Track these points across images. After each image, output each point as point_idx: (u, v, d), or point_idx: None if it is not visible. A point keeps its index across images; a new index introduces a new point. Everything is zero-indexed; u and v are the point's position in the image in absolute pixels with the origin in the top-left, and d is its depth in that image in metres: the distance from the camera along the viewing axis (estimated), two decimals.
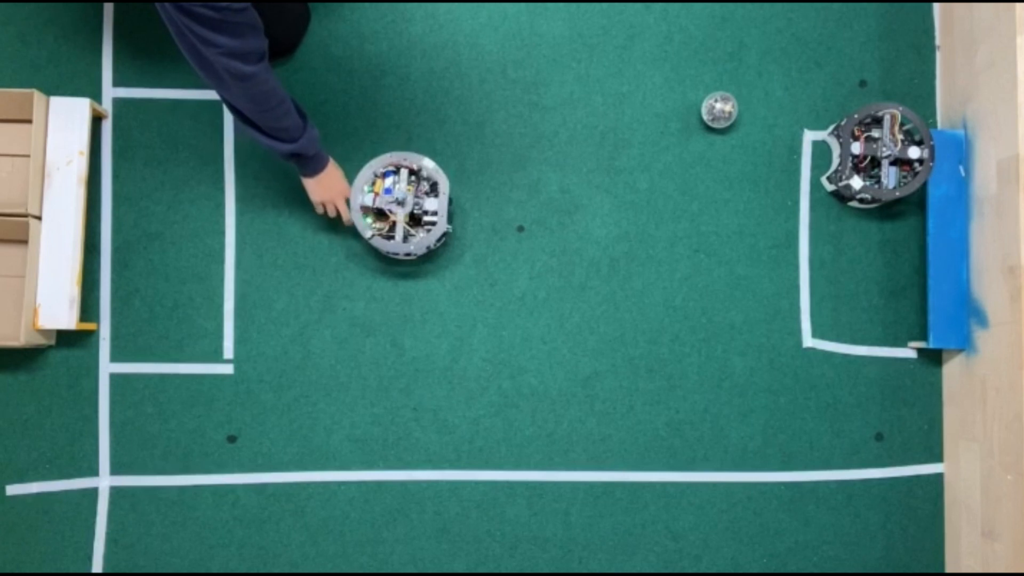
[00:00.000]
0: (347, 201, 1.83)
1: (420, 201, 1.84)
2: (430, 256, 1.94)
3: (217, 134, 1.95)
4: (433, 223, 1.84)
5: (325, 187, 1.80)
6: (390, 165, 1.84)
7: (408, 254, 1.86)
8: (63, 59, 1.93)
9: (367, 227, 1.83)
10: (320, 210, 1.85)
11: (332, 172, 1.80)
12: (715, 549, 1.94)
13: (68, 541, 1.88)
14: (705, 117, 1.97)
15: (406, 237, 1.83)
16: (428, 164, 1.83)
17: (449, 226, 1.86)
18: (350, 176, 1.87)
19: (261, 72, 1.51)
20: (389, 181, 1.83)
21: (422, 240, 1.83)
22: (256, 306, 1.93)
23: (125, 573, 1.88)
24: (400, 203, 1.82)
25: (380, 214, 1.84)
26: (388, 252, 1.86)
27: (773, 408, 1.96)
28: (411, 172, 1.85)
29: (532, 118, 1.98)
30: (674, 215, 1.98)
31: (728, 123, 1.97)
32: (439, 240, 1.86)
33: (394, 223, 1.83)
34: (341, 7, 1.98)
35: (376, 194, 1.83)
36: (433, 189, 1.85)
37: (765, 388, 1.96)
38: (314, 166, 1.76)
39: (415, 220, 1.85)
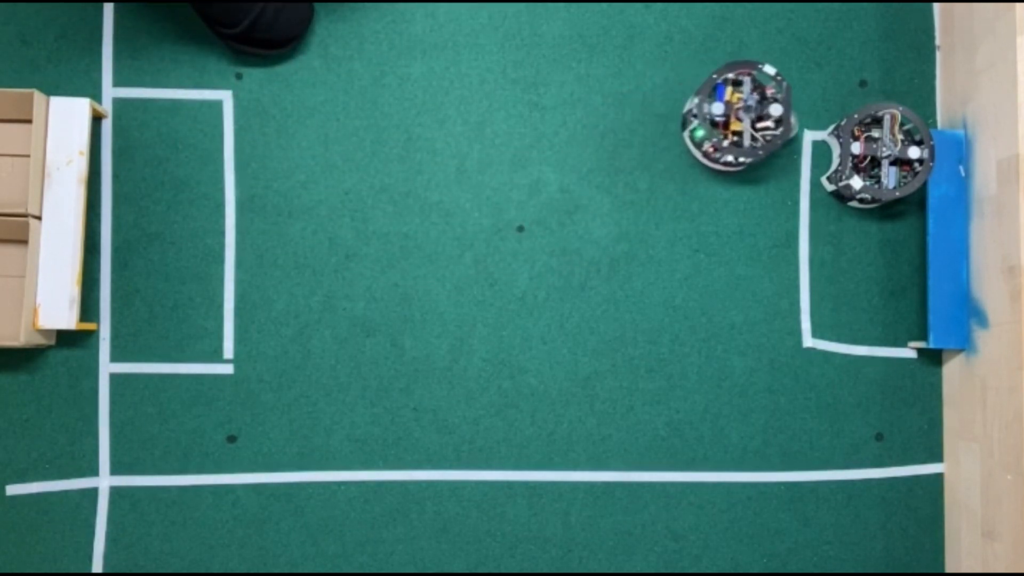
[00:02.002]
0: (690, 118, 1.85)
1: (764, 107, 1.85)
2: (752, 166, 1.95)
3: (217, 134, 1.95)
4: (769, 128, 1.85)
5: None
6: (726, 76, 1.84)
7: (743, 161, 1.86)
8: (63, 59, 1.93)
9: (708, 136, 1.84)
10: None
11: None
12: (715, 549, 1.94)
13: (68, 541, 1.88)
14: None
15: (753, 140, 1.84)
16: (769, 70, 1.84)
17: (795, 124, 1.86)
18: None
19: None
20: (728, 91, 1.85)
21: (769, 145, 1.84)
22: (256, 306, 1.92)
23: (125, 573, 1.88)
24: (747, 110, 1.84)
25: (714, 125, 1.86)
26: (730, 160, 1.86)
27: (773, 408, 1.96)
28: (753, 80, 1.86)
29: (532, 118, 1.98)
30: (674, 215, 1.98)
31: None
32: (785, 144, 1.87)
33: (732, 132, 1.85)
34: (341, 6, 1.97)
35: (728, 102, 1.84)
36: (767, 97, 1.86)
37: (765, 388, 1.96)
38: None
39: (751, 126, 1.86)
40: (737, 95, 1.86)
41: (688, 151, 1.95)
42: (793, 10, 2.02)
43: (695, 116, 1.86)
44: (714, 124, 1.87)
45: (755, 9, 2.02)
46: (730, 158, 1.85)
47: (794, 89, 2.01)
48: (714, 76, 1.86)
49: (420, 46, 1.98)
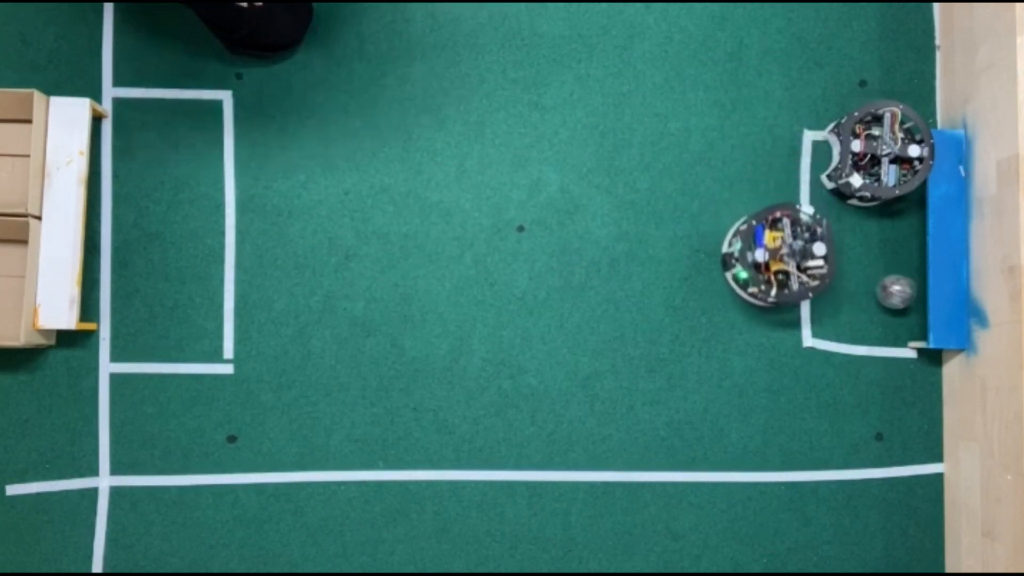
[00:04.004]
0: (727, 256, 1.85)
1: (807, 248, 1.85)
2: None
3: (217, 134, 1.94)
4: (821, 267, 1.85)
5: None
6: (764, 219, 1.85)
7: (783, 303, 1.87)
8: (63, 59, 1.93)
9: (752, 280, 1.86)
10: None
11: None
12: (715, 549, 1.94)
13: (68, 541, 1.87)
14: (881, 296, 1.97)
15: (798, 283, 1.85)
16: (808, 210, 1.85)
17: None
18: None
19: None
20: (767, 234, 1.85)
21: (815, 287, 1.85)
22: (256, 306, 1.92)
23: (125, 573, 1.88)
24: (793, 253, 1.84)
25: (755, 267, 1.86)
26: (772, 302, 1.87)
27: (773, 408, 1.96)
28: (792, 221, 1.86)
29: (532, 118, 1.98)
30: (674, 215, 1.98)
31: (904, 303, 1.95)
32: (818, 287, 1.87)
33: (775, 273, 1.85)
34: (342, 7, 1.97)
35: (769, 249, 1.84)
36: (812, 235, 1.86)
37: (765, 388, 1.96)
38: None
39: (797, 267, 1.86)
40: (775, 235, 1.85)
41: (731, 290, 1.96)
42: (793, 10, 2.02)
43: (736, 260, 1.86)
44: (756, 267, 1.86)
45: (755, 9, 2.01)
46: (788, 300, 1.87)
47: (794, 88, 2.01)
48: (752, 222, 1.85)
49: (420, 46, 1.97)
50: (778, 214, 1.85)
